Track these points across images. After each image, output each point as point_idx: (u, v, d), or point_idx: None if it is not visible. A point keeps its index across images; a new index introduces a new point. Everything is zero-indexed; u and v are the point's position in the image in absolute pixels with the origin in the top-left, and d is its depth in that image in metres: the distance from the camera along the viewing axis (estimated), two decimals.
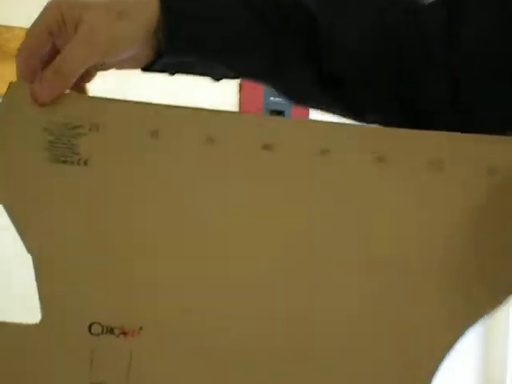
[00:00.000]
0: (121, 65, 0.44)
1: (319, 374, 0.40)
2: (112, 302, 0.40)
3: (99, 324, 0.39)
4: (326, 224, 0.41)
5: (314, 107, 0.53)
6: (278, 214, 0.41)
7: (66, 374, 0.39)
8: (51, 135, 0.40)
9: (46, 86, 0.40)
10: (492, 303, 0.40)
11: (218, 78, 0.48)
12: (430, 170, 0.41)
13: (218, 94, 1.60)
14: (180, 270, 0.41)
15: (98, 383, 0.39)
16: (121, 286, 0.40)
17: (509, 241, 0.40)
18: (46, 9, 0.41)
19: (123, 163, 0.41)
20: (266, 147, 0.41)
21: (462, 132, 0.42)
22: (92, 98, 0.43)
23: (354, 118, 0.51)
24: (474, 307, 0.40)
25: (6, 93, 0.41)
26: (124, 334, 0.39)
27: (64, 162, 0.40)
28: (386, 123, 0.48)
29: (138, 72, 0.46)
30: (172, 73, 0.46)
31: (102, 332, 0.39)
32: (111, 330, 0.39)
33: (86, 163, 0.40)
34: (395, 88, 0.49)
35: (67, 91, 0.41)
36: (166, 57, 0.43)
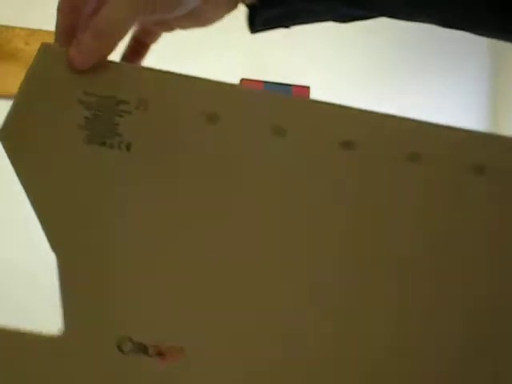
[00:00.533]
0: (186, 22, 0.37)
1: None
2: (148, 315, 0.34)
3: (130, 340, 0.33)
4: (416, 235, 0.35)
5: (483, 35, 0.45)
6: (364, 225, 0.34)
7: None
8: (88, 110, 0.32)
9: (83, 49, 0.32)
10: None
11: (341, 20, 0.40)
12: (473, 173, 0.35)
13: None
14: (237, 289, 0.34)
15: None
16: (162, 298, 0.34)
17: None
18: None
19: (177, 153, 0.33)
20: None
21: None
22: (143, 68, 0.35)
23: None
24: None
25: (37, 56, 0.33)
26: (160, 354, 0.33)
27: (102, 143, 0.33)
28: None
29: None
30: (286, 26, 0.38)
31: (133, 350, 0.33)
32: (144, 349, 0.33)
33: (128, 148, 0.33)
34: None
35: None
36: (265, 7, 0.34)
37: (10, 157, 0.32)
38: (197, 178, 0.34)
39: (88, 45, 0.32)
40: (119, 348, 0.33)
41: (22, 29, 2.14)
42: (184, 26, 0.38)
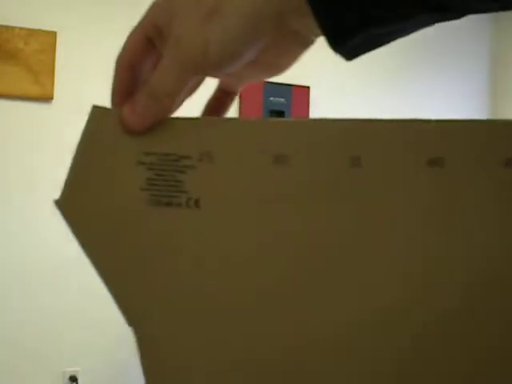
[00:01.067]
0: (255, 73, 0.35)
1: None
2: None
3: None
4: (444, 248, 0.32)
5: None
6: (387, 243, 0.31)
7: None
8: (149, 171, 0.31)
9: (138, 111, 0.31)
10: None
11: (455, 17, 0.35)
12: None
13: None
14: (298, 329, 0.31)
15: None
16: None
17: None
18: (148, 9, 0.32)
19: (253, 203, 0.30)
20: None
21: None
22: (200, 119, 0.33)
23: None
24: None
25: (89, 118, 0.32)
26: None
27: (168, 204, 0.31)
28: None
29: None
30: (380, 46, 0.33)
31: None
32: None
33: (197, 204, 0.31)
34: None
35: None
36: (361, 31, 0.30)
37: (69, 226, 0.31)
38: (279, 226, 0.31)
39: (143, 106, 0.31)
40: None
41: (21, 28, 2.13)
42: (256, 77, 0.36)
